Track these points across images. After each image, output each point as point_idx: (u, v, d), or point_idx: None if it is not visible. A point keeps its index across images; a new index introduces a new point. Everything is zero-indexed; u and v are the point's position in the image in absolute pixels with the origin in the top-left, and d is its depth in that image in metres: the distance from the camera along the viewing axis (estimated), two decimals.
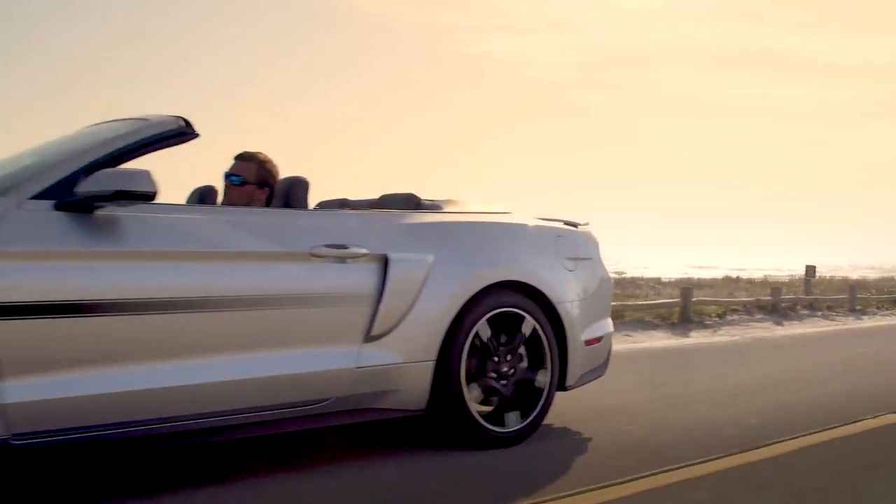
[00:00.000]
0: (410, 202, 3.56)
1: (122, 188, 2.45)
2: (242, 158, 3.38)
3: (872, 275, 32.23)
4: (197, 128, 2.87)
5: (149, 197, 2.51)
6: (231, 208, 3.11)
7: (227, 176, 3.38)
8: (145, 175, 2.48)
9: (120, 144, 2.70)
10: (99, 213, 2.52)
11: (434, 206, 3.60)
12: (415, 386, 3.15)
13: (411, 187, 3.60)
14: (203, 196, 3.54)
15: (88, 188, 2.47)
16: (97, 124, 3.17)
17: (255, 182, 3.35)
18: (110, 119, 3.14)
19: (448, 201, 3.68)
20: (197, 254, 2.69)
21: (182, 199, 3.50)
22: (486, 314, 3.31)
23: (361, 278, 3.04)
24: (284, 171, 3.44)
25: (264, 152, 3.39)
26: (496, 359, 3.38)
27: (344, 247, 3.01)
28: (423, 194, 3.61)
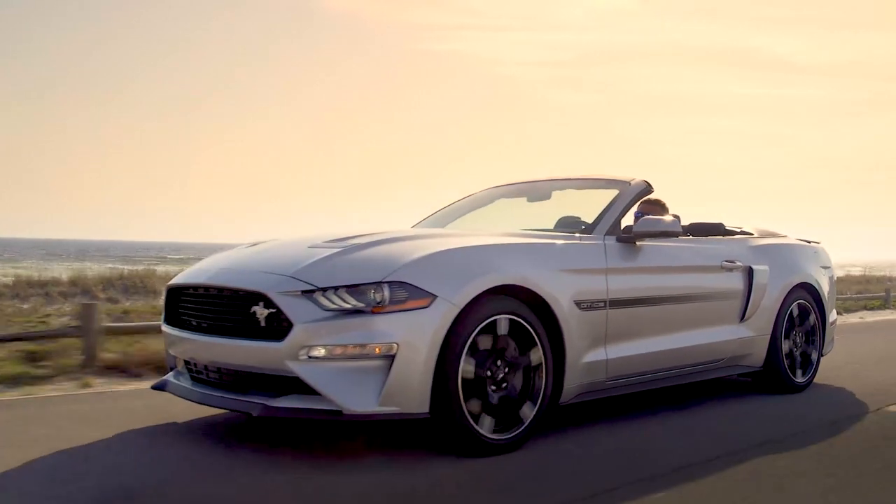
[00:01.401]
0: (719, 228, 5.20)
1: (664, 230, 4.06)
2: (647, 203, 4.92)
3: (855, 272, 34.35)
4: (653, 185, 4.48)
5: (676, 235, 4.13)
6: (687, 240, 4.62)
7: (639, 213, 4.93)
8: (675, 223, 4.09)
9: (624, 204, 4.28)
10: (638, 243, 4.13)
11: (735, 231, 5.24)
12: (759, 351, 4.85)
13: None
14: (566, 223, 5.05)
15: (640, 229, 4.08)
16: (573, 178, 4.75)
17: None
18: (574, 176, 4.74)
19: (744, 227, 5.34)
20: (676, 267, 4.34)
21: (550, 224, 5.02)
22: (792, 304, 5.02)
23: (740, 281, 4.72)
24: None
25: (659, 197, 4.92)
26: (797, 332, 5.10)
27: (732, 262, 4.69)
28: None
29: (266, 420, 3.78)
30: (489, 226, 4.91)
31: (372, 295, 3.16)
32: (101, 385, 5.23)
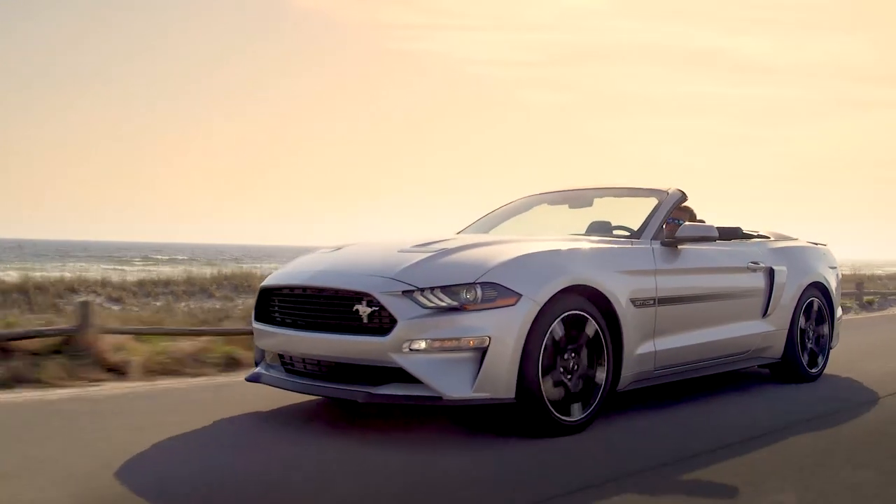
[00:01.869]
0: (737, 232, 5.68)
1: (702, 235, 4.53)
2: (679, 209, 5.38)
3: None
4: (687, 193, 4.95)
5: (714, 240, 4.60)
6: (723, 245, 5.07)
7: (672, 219, 5.39)
8: (712, 228, 4.57)
9: (665, 211, 4.74)
10: (679, 247, 4.59)
11: (752, 234, 5.73)
12: (778, 344, 5.33)
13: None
14: (597, 227, 5.48)
15: (683, 234, 4.54)
16: (612, 188, 5.21)
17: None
18: (613, 185, 5.20)
19: (761, 231, 5.83)
20: (712, 268, 4.81)
21: (580, 229, 5.47)
22: (806, 301, 5.52)
23: (762, 281, 5.20)
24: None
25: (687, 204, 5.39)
26: (810, 327, 5.60)
27: (757, 263, 5.17)
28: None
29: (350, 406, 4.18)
30: (531, 231, 5.34)
31: (465, 294, 3.58)
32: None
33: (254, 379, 4.23)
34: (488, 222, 5.65)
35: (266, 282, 4.30)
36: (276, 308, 4.17)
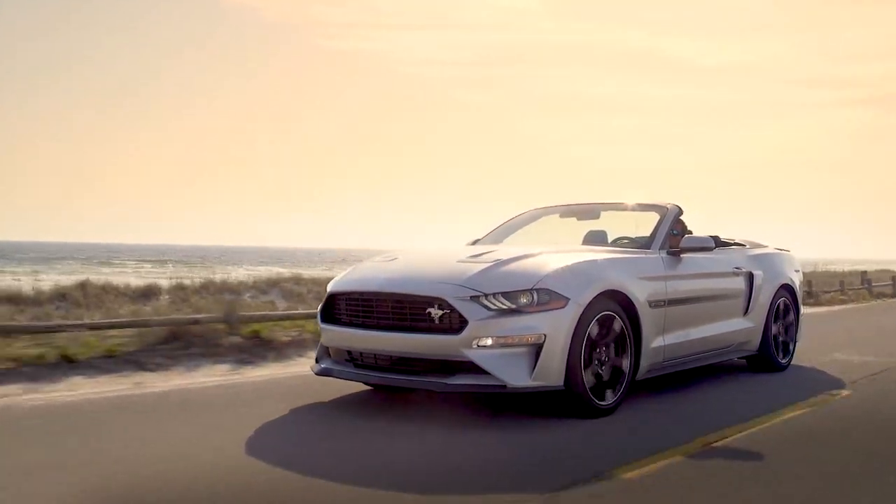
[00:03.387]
0: (717, 240, 6.48)
1: (702, 246, 5.31)
2: (677, 222, 6.13)
3: None
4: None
5: (711, 249, 5.38)
6: (713, 253, 5.77)
7: (671, 230, 6.12)
8: (710, 239, 5.35)
9: (669, 224, 5.51)
10: (682, 256, 5.36)
11: (729, 242, 6.56)
12: (756, 338, 6.17)
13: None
14: (594, 238, 6.20)
15: (686, 245, 5.31)
16: (617, 203, 5.95)
17: (681, 234, 6.17)
18: (617, 201, 5.95)
19: (736, 239, 6.67)
20: (707, 273, 5.61)
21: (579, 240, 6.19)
22: (777, 301, 6.38)
23: (744, 284, 6.03)
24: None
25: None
26: (780, 324, 6.45)
27: (739, 268, 5.99)
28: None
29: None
30: (539, 240, 6.04)
31: (523, 298, 4.25)
32: None
33: (325, 373, 4.80)
34: (503, 232, 6.33)
35: (334, 287, 4.88)
36: (344, 310, 4.75)
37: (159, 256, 63.43)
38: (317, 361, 5.01)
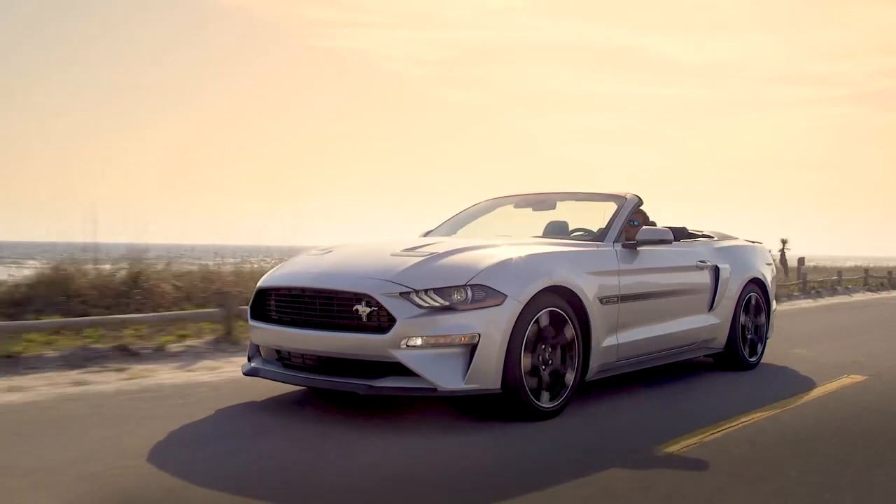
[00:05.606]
0: (684, 232, 6.19)
1: (660, 238, 5.00)
2: (636, 212, 5.84)
3: None
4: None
5: (670, 242, 5.07)
6: (675, 245, 5.48)
7: (631, 221, 5.82)
8: (668, 231, 5.04)
9: (626, 215, 5.20)
10: (639, 248, 5.05)
11: (697, 234, 6.26)
12: (722, 335, 5.87)
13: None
14: (554, 228, 5.89)
15: (642, 237, 5.00)
16: (573, 193, 5.64)
17: (640, 225, 5.87)
18: (574, 191, 5.64)
19: (705, 231, 6.37)
20: (666, 268, 5.30)
21: (539, 230, 5.88)
22: (746, 296, 6.08)
23: (709, 278, 5.72)
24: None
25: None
26: (749, 320, 6.15)
27: (704, 262, 5.69)
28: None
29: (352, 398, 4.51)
30: (496, 231, 5.73)
31: (457, 295, 3.95)
32: None
33: (252, 373, 4.51)
34: (456, 223, 6.02)
35: (263, 283, 4.58)
36: (273, 307, 4.45)
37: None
38: (248, 360, 4.71)
